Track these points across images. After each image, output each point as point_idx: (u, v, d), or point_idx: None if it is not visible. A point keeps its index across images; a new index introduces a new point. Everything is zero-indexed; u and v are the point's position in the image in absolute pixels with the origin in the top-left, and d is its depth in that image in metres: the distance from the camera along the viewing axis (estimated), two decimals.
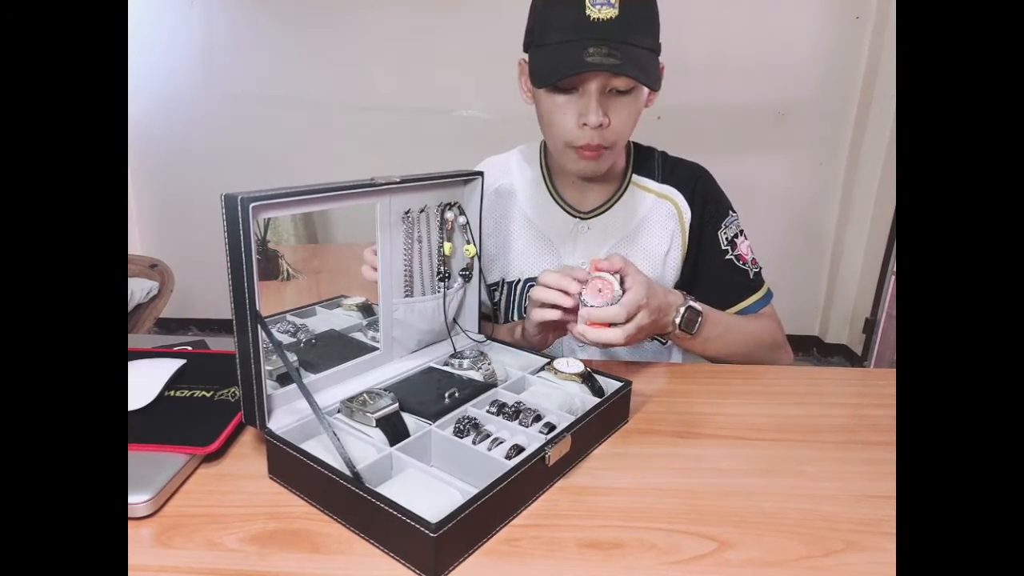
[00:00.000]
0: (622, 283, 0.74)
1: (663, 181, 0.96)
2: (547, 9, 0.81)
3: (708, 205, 0.96)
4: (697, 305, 0.81)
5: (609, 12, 0.76)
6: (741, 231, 0.96)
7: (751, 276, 0.95)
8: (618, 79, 0.79)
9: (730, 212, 0.97)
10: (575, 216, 0.96)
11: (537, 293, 0.77)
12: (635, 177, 0.96)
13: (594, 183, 0.95)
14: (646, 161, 0.98)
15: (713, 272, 0.94)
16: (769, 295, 0.96)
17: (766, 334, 0.92)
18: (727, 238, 0.95)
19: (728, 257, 0.94)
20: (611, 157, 0.86)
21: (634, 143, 0.99)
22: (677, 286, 0.97)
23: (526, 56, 0.87)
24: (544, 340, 0.84)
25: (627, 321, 0.72)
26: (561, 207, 0.96)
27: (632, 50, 0.77)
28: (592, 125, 0.80)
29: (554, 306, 0.76)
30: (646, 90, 0.84)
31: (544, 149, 0.98)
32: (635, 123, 0.86)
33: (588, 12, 0.76)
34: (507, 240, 0.98)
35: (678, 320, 0.79)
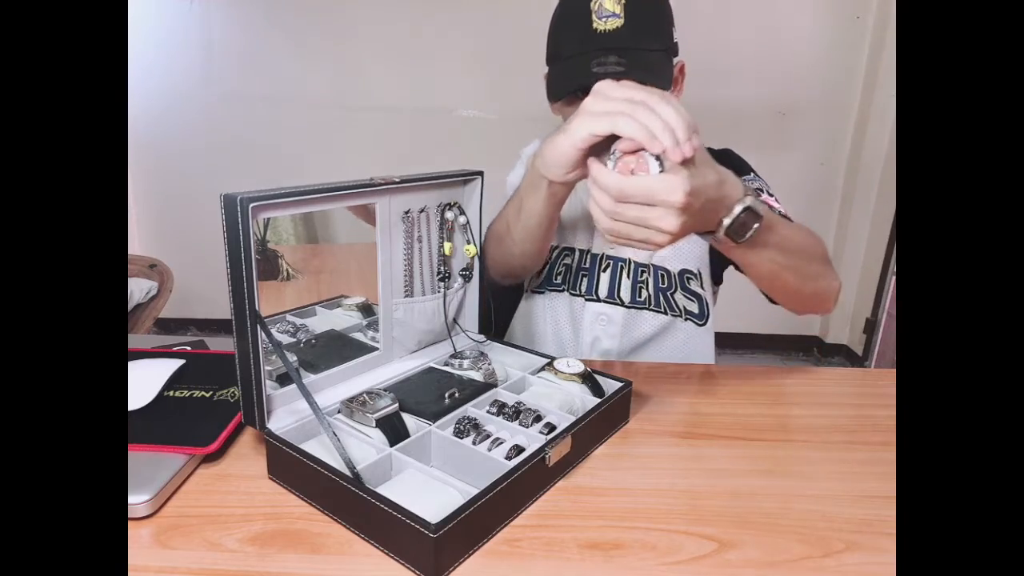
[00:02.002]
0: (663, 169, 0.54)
1: None
2: (559, 26, 0.83)
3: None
4: (760, 207, 0.61)
5: (615, 23, 0.77)
6: (768, 191, 0.90)
7: (778, 212, 0.83)
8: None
9: (752, 173, 0.94)
10: None
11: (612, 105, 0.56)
12: None
13: None
14: None
15: None
16: None
17: (816, 246, 0.78)
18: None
19: None
20: None
21: None
22: (710, 257, 0.95)
23: (548, 70, 0.89)
24: (571, 166, 0.61)
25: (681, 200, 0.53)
26: None
27: (642, 55, 0.77)
28: None
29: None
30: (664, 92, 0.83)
31: None
32: None
33: (595, 25, 0.77)
34: None
35: (728, 221, 0.60)
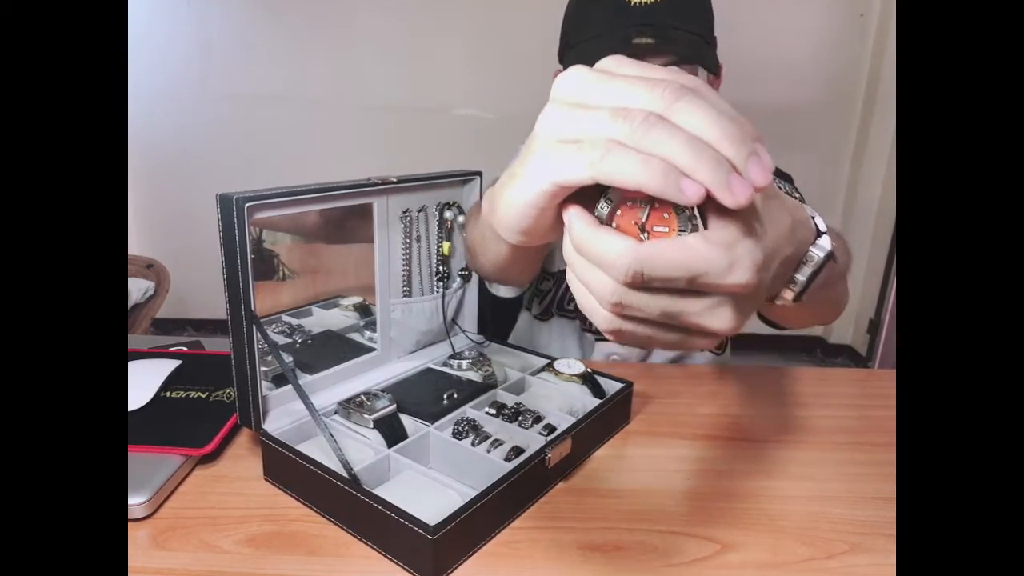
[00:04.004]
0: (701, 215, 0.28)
1: None
2: (581, 5, 0.74)
3: None
4: (832, 244, 0.39)
5: None
6: (791, 193, 0.82)
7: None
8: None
9: (778, 178, 0.85)
10: None
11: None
12: None
13: None
14: None
15: None
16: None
17: (850, 260, 0.64)
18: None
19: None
20: None
21: None
22: None
23: (560, 68, 0.80)
24: (536, 232, 0.32)
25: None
26: None
27: (684, 36, 0.67)
28: None
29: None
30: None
31: None
32: None
33: None
34: None
35: (804, 279, 0.37)
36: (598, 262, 0.28)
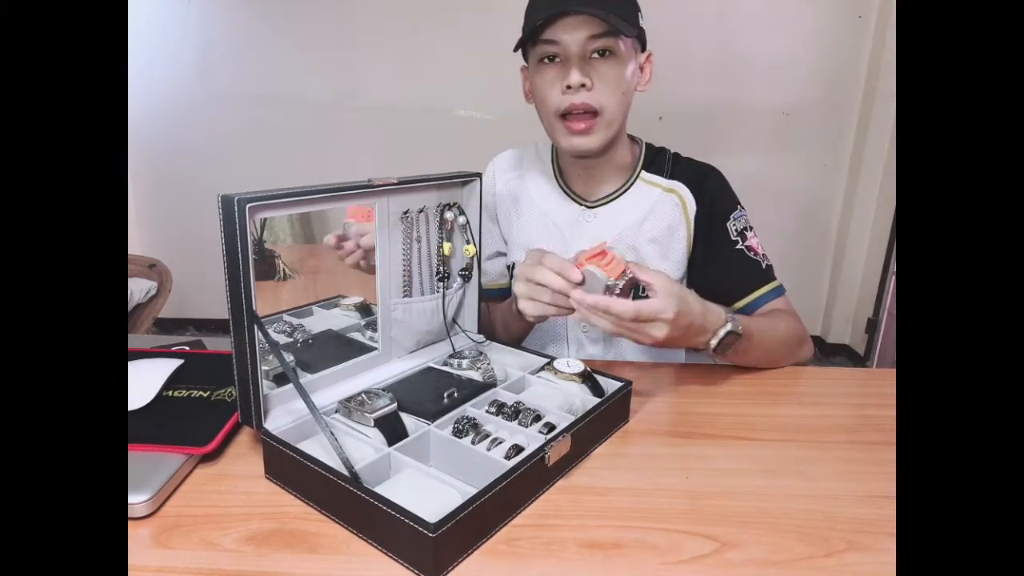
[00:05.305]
0: (642, 289, 0.69)
1: (671, 177, 0.97)
2: (530, 3, 0.87)
3: (716, 200, 0.96)
4: (740, 328, 0.76)
5: None
6: (750, 227, 0.96)
7: (763, 267, 0.94)
8: (597, 40, 0.81)
9: (738, 207, 0.97)
10: (582, 205, 0.97)
11: (532, 289, 0.72)
12: (644, 173, 0.97)
13: (601, 176, 0.96)
14: (656, 159, 0.99)
15: (724, 262, 0.94)
16: (782, 288, 0.95)
17: (793, 333, 0.89)
18: (736, 230, 0.94)
19: (739, 247, 0.94)
20: (604, 131, 0.87)
21: (647, 143, 1.00)
22: (688, 278, 0.98)
23: (527, 65, 0.91)
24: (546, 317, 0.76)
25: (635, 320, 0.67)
26: (569, 197, 0.98)
27: (602, 12, 0.81)
28: (573, 84, 0.82)
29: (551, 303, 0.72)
30: (631, 65, 0.85)
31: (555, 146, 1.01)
32: (624, 94, 0.86)
33: None
34: (518, 227, 1.00)
35: (714, 343, 0.74)
36: (618, 314, 0.67)
